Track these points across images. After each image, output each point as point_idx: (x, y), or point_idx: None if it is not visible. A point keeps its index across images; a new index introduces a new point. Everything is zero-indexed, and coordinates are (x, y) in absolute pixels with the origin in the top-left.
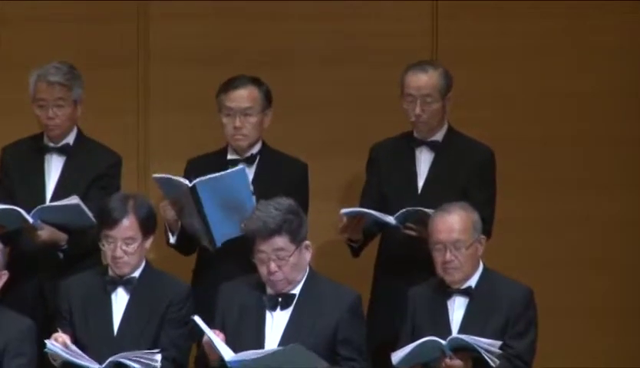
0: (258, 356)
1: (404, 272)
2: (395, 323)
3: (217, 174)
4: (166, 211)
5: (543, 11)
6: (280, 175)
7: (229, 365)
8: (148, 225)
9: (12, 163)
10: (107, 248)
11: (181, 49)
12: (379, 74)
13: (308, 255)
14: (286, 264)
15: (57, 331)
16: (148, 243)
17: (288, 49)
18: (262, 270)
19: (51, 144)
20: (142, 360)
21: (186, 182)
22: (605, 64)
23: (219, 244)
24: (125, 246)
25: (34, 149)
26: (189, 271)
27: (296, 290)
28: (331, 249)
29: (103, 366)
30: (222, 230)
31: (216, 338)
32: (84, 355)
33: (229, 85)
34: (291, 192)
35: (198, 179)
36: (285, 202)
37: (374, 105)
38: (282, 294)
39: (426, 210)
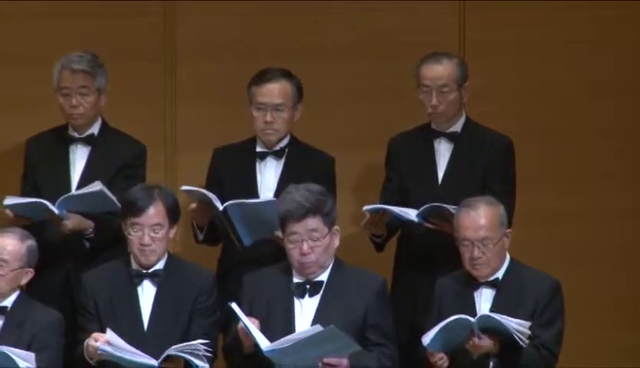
0: (295, 341)
1: (425, 265)
2: (417, 315)
3: (249, 201)
4: (195, 213)
5: (570, 2)
6: (308, 168)
7: (265, 354)
8: (174, 213)
9: (37, 155)
10: (134, 236)
11: (207, 42)
12: (406, 67)
13: (337, 241)
14: (319, 246)
15: (84, 328)
16: (172, 232)
17: (314, 42)
18: (294, 252)
19: (76, 135)
20: (193, 352)
21: (218, 203)
22: (628, 56)
23: (246, 244)
24: (153, 233)
25: (59, 141)
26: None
27: (323, 277)
28: (351, 242)
29: (159, 360)
30: (251, 237)
31: (252, 326)
32: (136, 351)
33: (261, 78)
34: (319, 184)
35: (229, 203)
36: (316, 186)
37: (400, 98)
38: (310, 281)
39: (448, 206)
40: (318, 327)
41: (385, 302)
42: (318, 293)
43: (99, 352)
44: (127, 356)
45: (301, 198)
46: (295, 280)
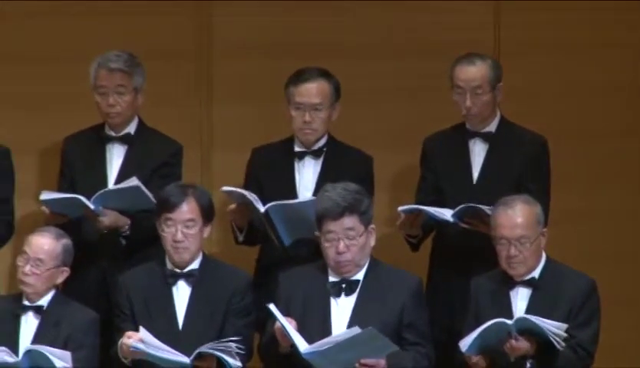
0: (333, 344)
1: (461, 264)
2: (453, 315)
3: (290, 202)
4: (236, 214)
5: (605, 3)
6: (346, 167)
7: (304, 357)
8: (208, 211)
9: (74, 153)
10: (167, 232)
11: (243, 41)
12: (442, 66)
13: (372, 240)
14: (355, 244)
15: (119, 328)
16: (207, 232)
17: (351, 41)
18: (330, 251)
19: (113, 133)
20: (225, 349)
21: (260, 205)
22: None
23: (286, 244)
24: (186, 229)
25: (96, 139)
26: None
27: (359, 276)
28: (386, 242)
29: (191, 358)
30: (292, 237)
31: (289, 326)
32: (170, 349)
33: (299, 78)
34: (357, 183)
35: (271, 204)
36: (353, 185)
37: (436, 98)
38: (346, 280)
39: (483, 207)
40: (357, 329)
41: (421, 301)
42: (354, 292)
43: (131, 349)
44: (160, 354)
45: (338, 197)
46: (331, 279)
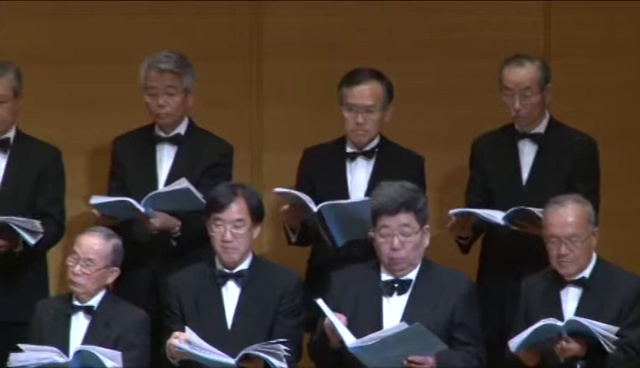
0: (380, 339)
1: (511, 265)
2: (503, 315)
3: (343, 201)
4: (288, 215)
5: None
6: (398, 168)
7: (350, 350)
8: (257, 212)
9: (124, 154)
10: (216, 232)
11: (293, 41)
12: (492, 67)
13: (427, 240)
14: (410, 242)
15: (169, 329)
16: (256, 232)
17: (400, 41)
18: (384, 247)
19: (163, 134)
20: (272, 352)
21: (313, 205)
22: None
23: (339, 245)
24: (234, 229)
25: (146, 140)
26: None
27: (412, 276)
28: (436, 242)
29: (236, 359)
30: (345, 237)
31: (338, 322)
32: (215, 350)
33: (353, 79)
34: None
35: (324, 204)
36: (410, 183)
37: (485, 98)
38: (398, 279)
39: (534, 210)
40: (404, 325)
41: (473, 302)
42: (406, 291)
43: (176, 349)
44: (205, 355)
45: (395, 193)
46: (384, 278)
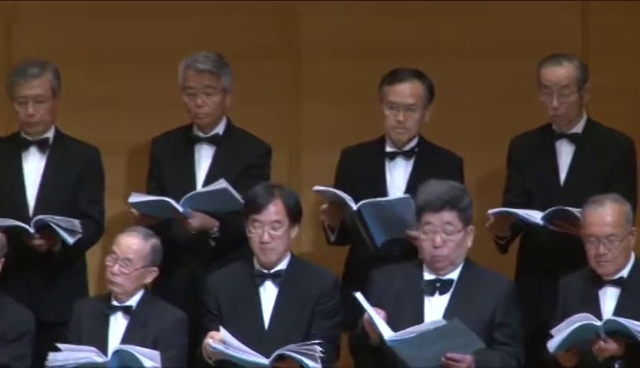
0: (418, 333)
1: (549, 265)
2: (541, 314)
3: (383, 199)
4: (328, 214)
5: None
6: (437, 168)
7: (388, 343)
8: (294, 212)
9: (162, 154)
10: (254, 233)
11: (331, 41)
12: (529, 67)
13: (470, 240)
14: (452, 240)
15: (207, 329)
16: (294, 232)
17: (437, 42)
18: (426, 244)
19: (201, 134)
20: (306, 352)
21: (352, 203)
22: None
23: (378, 244)
24: (272, 230)
25: (184, 140)
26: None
27: (454, 275)
28: (474, 242)
29: (270, 360)
30: (384, 236)
31: (376, 316)
32: (248, 350)
33: (394, 77)
34: None
35: (363, 202)
36: (456, 183)
37: (522, 98)
38: (440, 278)
39: (572, 209)
40: (442, 321)
41: (514, 303)
42: (448, 291)
43: (211, 349)
44: (239, 355)
45: (441, 191)
46: (426, 277)
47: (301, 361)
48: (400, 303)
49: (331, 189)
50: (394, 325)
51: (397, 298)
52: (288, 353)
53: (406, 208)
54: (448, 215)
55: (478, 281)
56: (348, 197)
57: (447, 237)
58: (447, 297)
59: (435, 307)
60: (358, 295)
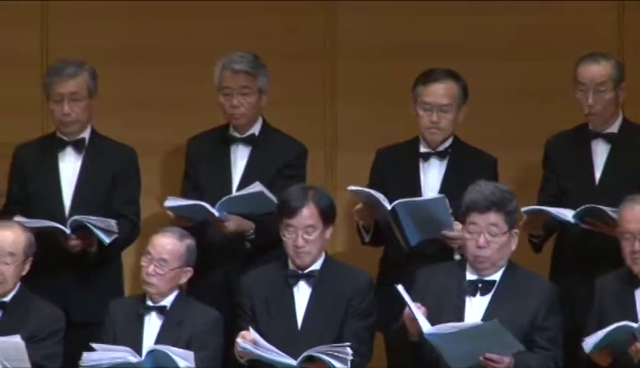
0: (456, 329)
1: (584, 265)
2: (576, 314)
3: (417, 199)
4: (362, 214)
5: None
6: (471, 169)
7: (426, 336)
8: (328, 214)
9: (198, 155)
10: (287, 237)
11: (367, 41)
12: (564, 67)
13: (514, 243)
14: (496, 242)
15: (241, 328)
16: (328, 233)
17: (472, 42)
18: (470, 244)
19: (237, 134)
20: (336, 355)
21: (386, 203)
22: None
23: (412, 244)
24: (306, 235)
25: (220, 140)
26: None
27: (496, 277)
28: None
29: (298, 361)
30: (418, 236)
31: (416, 310)
32: (277, 350)
33: (428, 78)
34: None
35: (397, 201)
36: (505, 186)
37: (558, 98)
38: (482, 279)
39: (605, 208)
40: (474, 316)
41: (555, 307)
42: (489, 292)
43: (239, 349)
44: (267, 355)
45: (487, 192)
46: (469, 277)
47: (330, 363)
48: (442, 302)
49: (366, 189)
50: (435, 323)
51: (439, 297)
52: (317, 354)
53: (440, 207)
54: (494, 217)
55: (520, 284)
56: (382, 196)
57: (491, 238)
58: (487, 298)
59: (476, 308)
60: (400, 288)
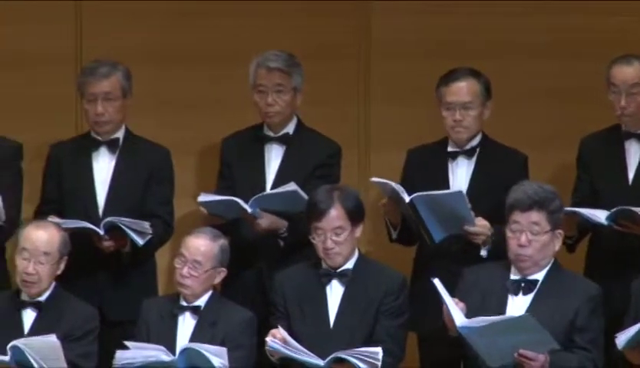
0: (489, 322)
1: (618, 266)
2: (608, 315)
3: (435, 192)
4: (387, 209)
5: None
6: (500, 166)
7: (459, 330)
8: (356, 214)
9: (232, 154)
10: (317, 240)
11: (401, 41)
12: (598, 67)
13: (557, 244)
14: (537, 241)
15: (274, 326)
16: (358, 232)
17: (506, 41)
18: (512, 242)
19: (271, 134)
20: (365, 358)
21: (405, 195)
22: None
23: (436, 241)
24: (335, 236)
25: (254, 139)
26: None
27: (539, 276)
28: None
29: (326, 361)
30: (441, 232)
31: (452, 304)
32: (305, 350)
33: (449, 78)
34: (511, 183)
35: (415, 195)
36: (549, 186)
37: (591, 98)
38: (525, 278)
39: (637, 210)
40: (513, 315)
41: (597, 308)
42: (531, 291)
43: (268, 348)
44: (296, 354)
45: (531, 191)
46: (512, 276)
47: (358, 366)
48: (485, 300)
49: (388, 182)
50: None
51: (483, 295)
52: (345, 356)
53: (460, 202)
54: (536, 216)
55: (563, 284)
56: (402, 189)
57: (533, 237)
58: (529, 297)
59: (517, 306)
60: (436, 282)
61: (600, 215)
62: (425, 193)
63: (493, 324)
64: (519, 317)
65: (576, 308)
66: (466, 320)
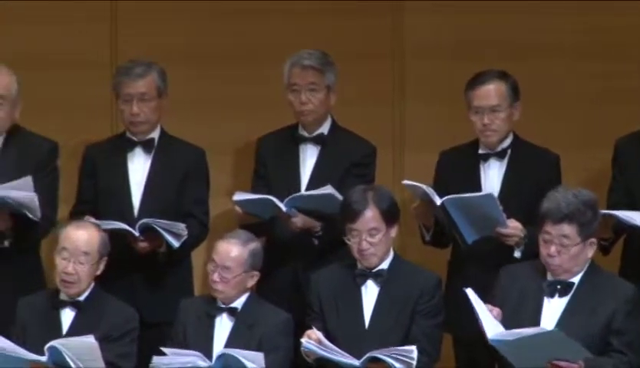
0: (518, 336)
1: None
2: None
3: (466, 195)
4: (418, 212)
5: None
6: (532, 167)
7: (490, 342)
8: (390, 214)
9: (267, 153)
10: (352, 241)
11: (435, 41)
12: (632, 68)
13: (591, 251)
14: (566, 252)
15: (309, 327)
16: (393, 232)
17: (540, 42)
18: (542, 250)
19: (306, 134)
20: (400, 358)
21: (437, 198)
22: None
23: (469, 242)
24: (370, 237)
25: (289, 139)
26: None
27: (575, 279)
28: None
29: (361, 361)
30: (474, 234)
31: (485, 313)
32: (340, 351)
33: (475, 81)
34: (543, 184)
35: (446, 198)
36: (587, 194)
37: (625, 99)
38: (562, 281)
39: None
40: (543, 328)
41: (635, 311)
42: (567, 294)
43: (302, 348)
44: (331, 355)
45: (564, 202)
46: (549, 278)
47: (393, 365)
48: (522, 302)
49: (419, 184)
50: (512, 322)
51: (520, 297)
52: (380, 355)
53: (491, 205)
54: (567, 229)
55: (600, 286)
56: (432, 191)
57: (562, 248)
58: (565, 300)
59: (553, 309)
60: (469, 291)
61: (636, 218)
62: (456, 196)
63: (524, 337)
64: (549, 332)
65: (613, 310)
66: (497, 332)
